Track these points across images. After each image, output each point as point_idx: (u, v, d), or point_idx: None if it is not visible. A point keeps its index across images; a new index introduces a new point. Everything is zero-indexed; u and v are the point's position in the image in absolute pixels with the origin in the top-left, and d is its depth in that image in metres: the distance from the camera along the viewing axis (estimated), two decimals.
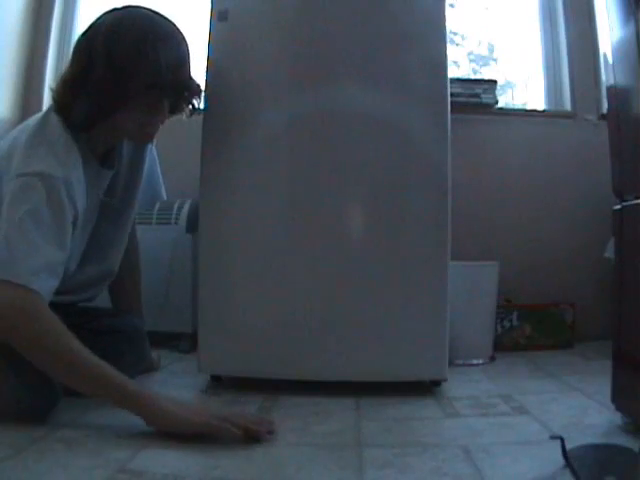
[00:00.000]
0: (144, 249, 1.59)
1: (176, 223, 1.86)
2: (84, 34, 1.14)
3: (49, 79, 2.24)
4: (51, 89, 1.15)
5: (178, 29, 1.19)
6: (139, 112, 1.16)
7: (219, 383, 1.38)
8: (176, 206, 1.89)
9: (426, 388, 1.33)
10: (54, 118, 1.12)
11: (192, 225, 1.82)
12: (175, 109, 1.23)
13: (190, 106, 1.26)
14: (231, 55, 1.36)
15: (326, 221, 1.34)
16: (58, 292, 1.18)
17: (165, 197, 1.52)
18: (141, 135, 1.22)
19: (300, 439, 1.01)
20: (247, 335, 1.34)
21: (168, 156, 1.49)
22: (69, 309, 1.24)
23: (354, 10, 1.36)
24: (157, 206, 1.85)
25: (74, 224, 1.09)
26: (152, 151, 1.41)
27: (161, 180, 1.48)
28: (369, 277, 1.32)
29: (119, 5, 1.16)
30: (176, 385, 1.39)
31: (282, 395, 1.27)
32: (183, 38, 1.19)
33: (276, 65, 1.36)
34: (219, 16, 1.36)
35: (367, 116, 1.33)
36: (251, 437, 0.96)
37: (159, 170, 1.47)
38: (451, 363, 1.52)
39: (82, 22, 2.31)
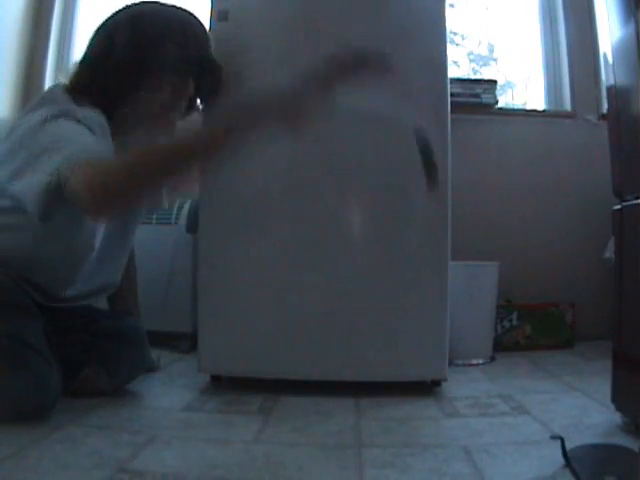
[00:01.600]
0: (144, 249, 1.59)
1: (176, 223, 1.86)
2: (104, 21, 1.13)
3: (49, 79, 2.24)
4: (72, 69, 1.12)
5: (198, 18, 1.20)
6: (163, 93, 1.14)
7: (219, 383, 1.38)
8: (176, 206, 1.89)
9: (426, 388, 1.33)
10: (65, 96, 1.07)
11: (192, 225, 1.82)
12: (198, 96, 1.22)
13: (211, 93, 1.25)
14: (231, 55, 1.36)
15: (326, 221, 1.34)
16: (59, 300, 1.18)
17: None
18: (164, 121, 1.18)
19: (300, 439, 1.01)
20: (247, 335, 1.34)
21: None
22: (70, 311, 1.24)
23: (354, 10, 1.36)
24: None
25: None
26: None
27: None
28: (369, 277, 1.32)
29: (121, 5, 1.16)
30: (176, 385, 1.39)
31: (282, 395, 1.27)
32: (201, 21, 1.20)
33: (276, 65, 1.36)
34: (219, 16, 1.36)
35: (367, 116, 1.33)
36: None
37: None
38: (451, 363, 1.52)
39: (82, 22, 2.31)
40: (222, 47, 1.34)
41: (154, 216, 1.85)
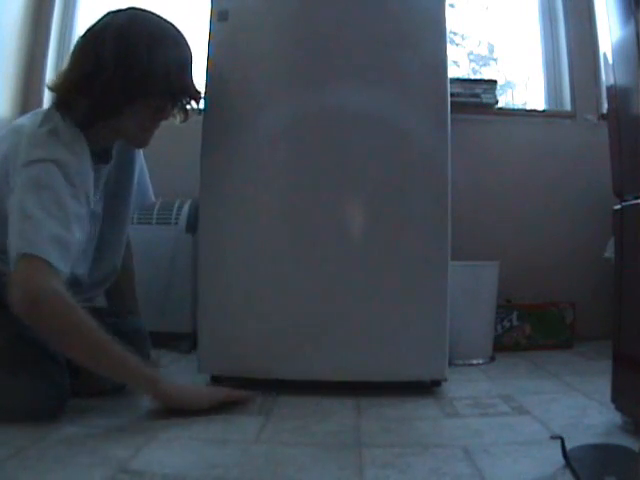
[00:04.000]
0: (144, 249, 1.59)
1: (176, 223, 1.86)
2: (88, 33, 1.14)
3: (49, 79, 2.23)
4: (49, 87, 1.16)
5: (182, 33, 1.21)
6: (143, 115, 1.17)
7: (219, 383, 1.38)
8: (176, 206, 1.89)
9: (426, 388, 1.33)
10: (56, 114, 1.13)
11: (192, 225, 1.82)
12: (174, 113, 1.25)
13: (185, 111, 1.28)
14: (231, 55, 1.36)
15: (326, 221, 1.34)
16: None
17: (153, 199, 1.53)
18: (140, 139, 1.24)
19: (300, 439, 1.00)
20: (247, 335, 1.34)
21: (168, 156, 1.49)
22: None
23: (354, 10, 1.36)
24: (157, 206, 1.85)
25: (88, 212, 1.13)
26: (140, 153, 1.41)
27: (149, 182, 1.48)
28: (369, 277, 1.32)
29: (121, 6, 1.17)
30: None
31: (282, 395, 1.27)
32: (187, 42, 1.21)
33: (276, 65, 1.36)
34: (219, 16, 1.36)
35: (367, 116, 1.33)
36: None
37: (147, 172, 1.47)
38: (451, 363, 1.52)
39: (82, 22, 2.31)
40: (222, 48, 1.35)
41: (154, 216, 1.86)
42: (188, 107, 1.27)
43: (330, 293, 1.33)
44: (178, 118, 1.29)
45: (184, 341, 1.79)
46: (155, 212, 1.86)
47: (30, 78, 2.19)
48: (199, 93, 1.25)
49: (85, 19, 2.31)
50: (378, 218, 1.35)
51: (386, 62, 1.34)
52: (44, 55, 2.21)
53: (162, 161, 1.47)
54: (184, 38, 1.21)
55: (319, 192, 1.34)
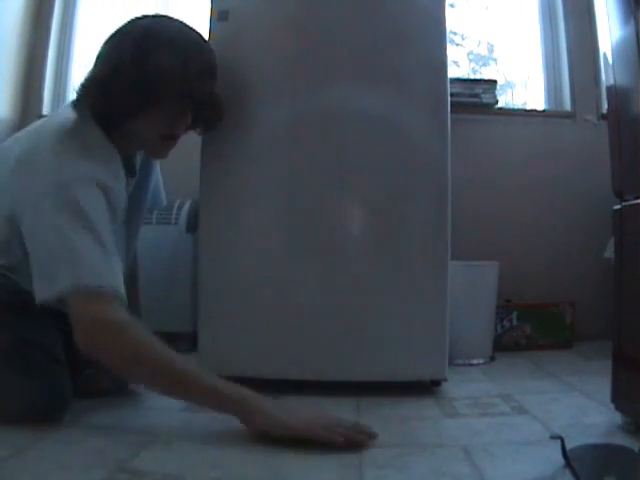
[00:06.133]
0: (144, 249, 1.59)
1: (176, 223, 1.86)
2: (112, 37, 1.13)
3: (49, 79, 2.24)
4: (78, 87, 1.13)
5: (206, 41, 1.20)
6: (161, 121, 1.15)
7: None
8: (176, 206, 1.89)
9: (426, 388, 1.33)
10: (90, 121, 1.10)
11: (192, 225, 1.82)
12: (194, 124, 1.23)
13: (207, 124, 1.27)
14: (231, 55, 1.36)
15: (326, 221, 1.34)
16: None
17: (165, 203, 1.53)
18: (158, 149, 1.21)
19: (300, 439, 1.00)
20: (247, 335, 1.34)
21: (168, 156, 1.49)
22: None
23: (354, 10, 1.36)
24: None
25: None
26: (156, 168, 1.41)
27: (162, 189, 1.49)
28: (369, 277, 1.32)
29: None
30: None
31: (282, 395, 1.27)
32: (211, 50, 1.19)
33: (276, 65, 1.36)
34: (219, 16, 1.36)
35: (367, 116, 1.33)
36: (352, 444, 0.93)
37: (161, 179, 1.47)
38: (451, 363, 1.52)
39: (82, 22, 2.31)
40: (222, 48, 1.35)
41: (154, 216, 1.86)
42: (210, 120, 1.26)
43: (330, 293, 1.33)
44: (198, 130, 1.28)
45: (184, 341, 1.79)
46: (155, 212, 1.86)
47: (30, 78, 2.19)
48: (221, 104, 1.24)
49: (85, 19, 2.31)
50: (378, 218, 1.35)
51: (386, 62, 1.35)
52: (44, 55, 2.21)
53: (162, 161, 1.47)
54: (208, 46, 1.19)
55: (319, 192, 1.34)
